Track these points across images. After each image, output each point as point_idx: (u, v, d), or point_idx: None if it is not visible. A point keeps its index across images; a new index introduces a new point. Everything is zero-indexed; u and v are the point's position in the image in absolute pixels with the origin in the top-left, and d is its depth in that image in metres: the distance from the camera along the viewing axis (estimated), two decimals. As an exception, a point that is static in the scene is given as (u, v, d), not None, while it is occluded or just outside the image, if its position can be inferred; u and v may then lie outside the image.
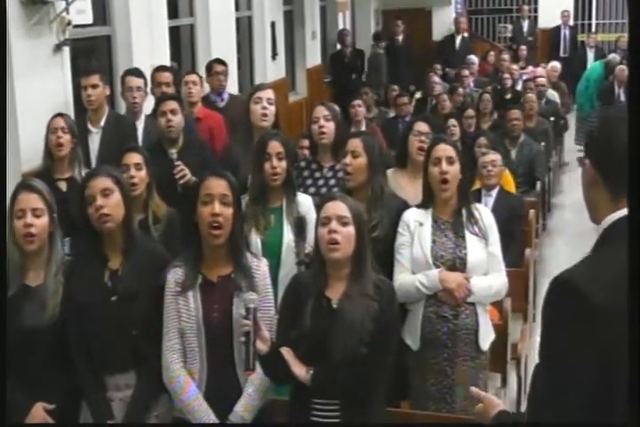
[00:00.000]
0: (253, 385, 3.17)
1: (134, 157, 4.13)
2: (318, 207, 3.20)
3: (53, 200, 3.35)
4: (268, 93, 4.98)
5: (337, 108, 4.93)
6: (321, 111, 4.69)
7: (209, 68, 6.98)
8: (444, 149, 3.86)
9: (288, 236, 3.99)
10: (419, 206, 3.93)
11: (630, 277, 1.83)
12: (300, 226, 3.85)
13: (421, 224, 3.83)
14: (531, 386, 2.00)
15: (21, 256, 3.27)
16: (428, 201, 3.90)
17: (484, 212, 3.93)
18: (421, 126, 4.56)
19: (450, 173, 3.81)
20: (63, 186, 4.74)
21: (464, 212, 3.86)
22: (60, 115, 4.90)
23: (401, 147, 4.64)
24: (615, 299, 1.83)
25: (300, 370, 3.00)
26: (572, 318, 1.87)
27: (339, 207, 3.08)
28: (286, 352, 3.00)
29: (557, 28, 15.52)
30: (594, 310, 1.84)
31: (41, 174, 4.64)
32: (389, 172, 4.72)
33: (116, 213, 3.23)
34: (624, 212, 1.96)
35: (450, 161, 3.83)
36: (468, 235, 3.81)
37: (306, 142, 5.37)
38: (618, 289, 1.83)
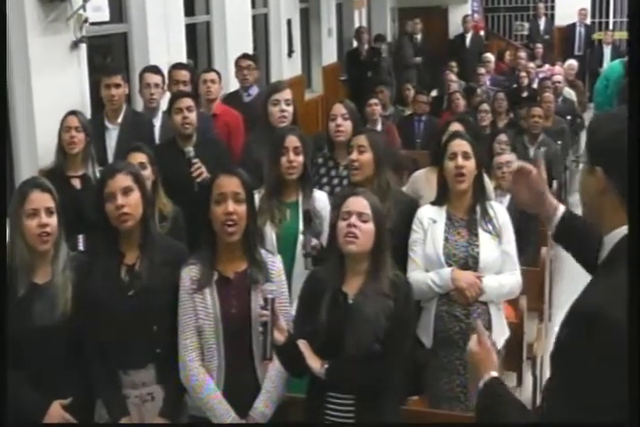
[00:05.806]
0: (271, 381, 3.17)
1: (138, 157, 4.16)
2: (338, 202, 3.20)
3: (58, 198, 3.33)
4: (286, 94, 4.99)
5: (354, 106, 4.93)
6: (339, 109, 4.71)
7: (235, 63, 6.98)
8: (460, 144, 3.87)
9: None
10: (433, 203, 3.92)
11: None
12: (307, 218, 3.86)
13: (435, 221, 3.83)
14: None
15: (30, 255, 3.21)
16: (442, 197, 3.90)
17: (498, 210, 3.91)
18: (456, 127, 4.57)
19: (466, 168, 3.81)
20: (77, 183, 4.73)
21: (478, 209, 3.85)
22: (73, 113, 4.83)
23: (436, 146, 4.63)
24: None
25: (315, 363, 3.01)
26: (607, 348, 1.73)
27: (360, 204, 3.10)
28: (303, 345, 3.02)
29: (573, 26, 15.45)
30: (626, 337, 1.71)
31: (54, 171, 4.67)
32: (422, 171, 4.74)
33: (135, 211, 3.21)
34: None
35: (466, 156, 3.83)
36: (481, 233, 3.80)
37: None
38: None
